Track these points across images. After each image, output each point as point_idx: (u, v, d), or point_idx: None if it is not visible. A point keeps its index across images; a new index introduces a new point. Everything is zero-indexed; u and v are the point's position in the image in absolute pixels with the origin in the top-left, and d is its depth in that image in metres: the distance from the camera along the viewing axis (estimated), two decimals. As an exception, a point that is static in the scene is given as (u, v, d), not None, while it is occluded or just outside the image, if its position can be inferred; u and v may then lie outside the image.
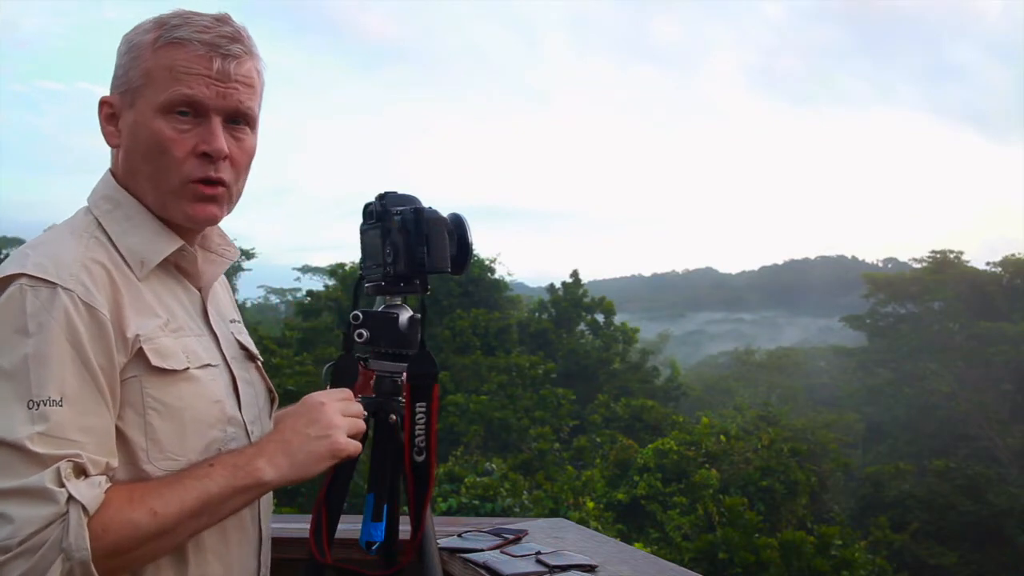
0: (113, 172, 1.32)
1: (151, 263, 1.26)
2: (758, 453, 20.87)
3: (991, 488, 26.77)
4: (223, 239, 1.42)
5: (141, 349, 1.18)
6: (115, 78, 1.29)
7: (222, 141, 1.26)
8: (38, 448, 1.05)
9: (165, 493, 1.14)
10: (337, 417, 1.29)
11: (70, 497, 1.05)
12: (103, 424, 1.13)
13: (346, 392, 1.36)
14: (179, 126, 1.24)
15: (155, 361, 1.20)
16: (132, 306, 1.20)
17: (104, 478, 1.11)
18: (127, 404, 1.17)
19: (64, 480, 1.05)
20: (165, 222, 1.29)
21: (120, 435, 1.17)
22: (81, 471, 1.08)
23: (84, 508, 1.05)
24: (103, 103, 1.29)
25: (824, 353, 55.93)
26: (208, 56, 1.24)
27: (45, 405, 1.07)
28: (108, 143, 1.30)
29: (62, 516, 1.04)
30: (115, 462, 1.14)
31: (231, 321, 1.44)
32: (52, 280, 1.13)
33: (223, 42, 1.26)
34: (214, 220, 1.31)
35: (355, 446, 1.31)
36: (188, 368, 1.24)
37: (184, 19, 1.26)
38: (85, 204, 1.31)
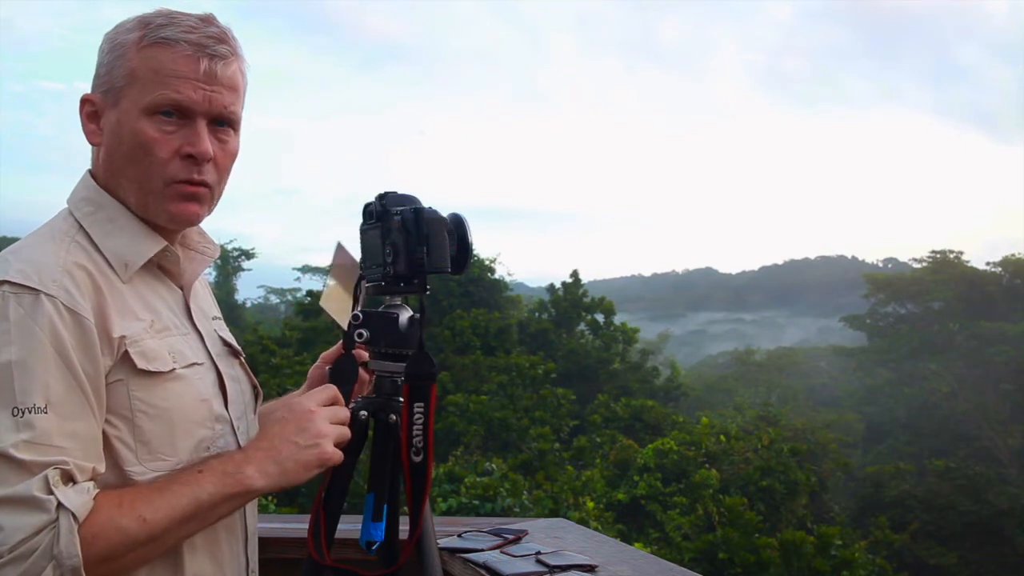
0: (92, 172, 1.31)
1: (135, 265, 1.25)
2: (758, 453, 20.88)
3: (991, 488, 26.76)
4: (203, 237, 1.41)
5: (126, 352, 1.18)
6: (97, 76, 1.28)
7: (207, 144, 1.25)
8: (24, 455, 1.05)
9: (155, 499, 1.13)
10: (325, 425, 1.29)
11: (59, 504, 1.04)
12: (89, 429, 1.13)
13: (333, 394, 1.35)
14: (164, 127, 1.23)
15: (140, 364, 1.19)
16: (116, 309, 1.19)
17: (92, 484, 1.10)
18: (115, 407, 1.17)
19: (52, 487, 1.05)
20: (147, 222, 1.28)
21: (109, 438, 1.16)
22: (69, 478, 1.08)
23: (74, 515, 1.05)
24: (84, 101, 1.28)
25: (824, 353, 55.91)
26: (195, 57, 1.23)
27: (30, 412, 1.07)
28: (89, 141, 1.29)
29: (52, 523, 1.04)
30: (102, 467, 1.13)
31: (213, 318, 1.44)
32: (35, 287, 1.12)
33: (210, 43, 1.25)
34: (196, 219, 1.30)
35: (340, 455, 1.31)
36: (174, 369, 1.24)
37: (169, 18, 1.25)
38: (65, 206, 1.29)
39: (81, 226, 1.25)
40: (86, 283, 1.17)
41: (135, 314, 1.22)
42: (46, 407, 1.08)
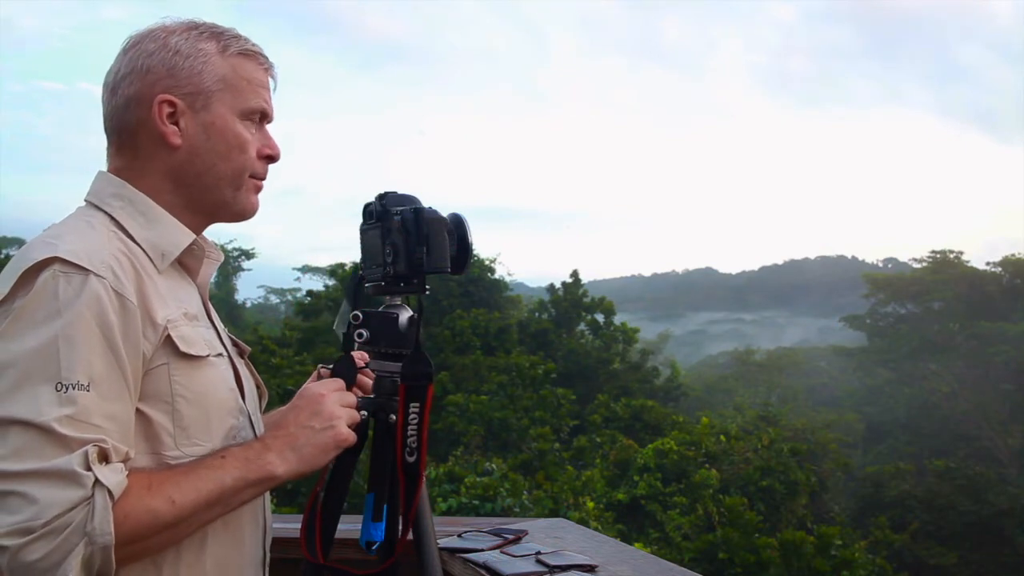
0: (114, 171, 1.32)
1: (172, 255, 1.29)
2: (758, 453, 20.88)
3: (991, 488, 26.77)
4: (206, 242, 1.43)
5: (169, 336, 1.20)
6: (172, 76, 1.29)
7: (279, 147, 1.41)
8: (65, 431, 1.05)
9: (182, 482, 1.15)
10: (337, 408, 1.33)
11: (96, 481, 1.05)
12: (126, 413, 1.14)
13: (339, 382, 1.41)
14: (251, 130, 1.36)
15: (182, 347, 1.22)
16: (155, 296, 1.22)
17: (123, 465, 1.11)
18: (156, 391, 1.19)
19: (91, 464, 1.05)
20: (176, 217, 1.33)
21: (148, 421, 1.18)
22: (105, 457, 1.08)
23: (110, 492, 1.06)
24: (164, 102, 1.29)
25: (824, 353, 55.92)
26: (267, 70, 1.40)
27: (73, 389, 1.08)
28: (167, 143, 1.30)
29: (87, 500, 1.04)
30: (132, 453, 1.14)
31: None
32: (85, 266, 1.14)
33: (268, 58, 1.40)
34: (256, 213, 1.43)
35: (355, 436, 1.35)
36: (208, 355, 1.27)
37: (230, 30, 1.36)
38: (83, 204, 1.31)
39: (113, 219, 1.27)
40: (129, 269, 1.20)
41: (170, 302, 1.25)
42: (88, 385, 1.09)
